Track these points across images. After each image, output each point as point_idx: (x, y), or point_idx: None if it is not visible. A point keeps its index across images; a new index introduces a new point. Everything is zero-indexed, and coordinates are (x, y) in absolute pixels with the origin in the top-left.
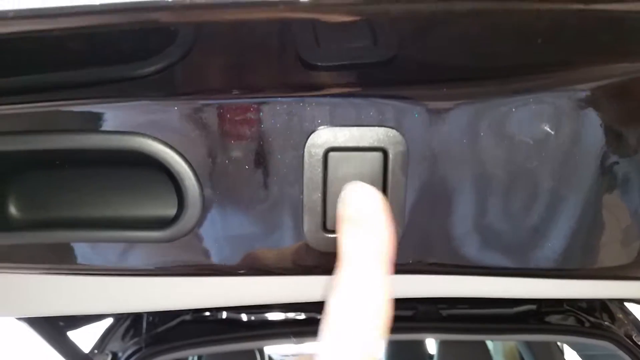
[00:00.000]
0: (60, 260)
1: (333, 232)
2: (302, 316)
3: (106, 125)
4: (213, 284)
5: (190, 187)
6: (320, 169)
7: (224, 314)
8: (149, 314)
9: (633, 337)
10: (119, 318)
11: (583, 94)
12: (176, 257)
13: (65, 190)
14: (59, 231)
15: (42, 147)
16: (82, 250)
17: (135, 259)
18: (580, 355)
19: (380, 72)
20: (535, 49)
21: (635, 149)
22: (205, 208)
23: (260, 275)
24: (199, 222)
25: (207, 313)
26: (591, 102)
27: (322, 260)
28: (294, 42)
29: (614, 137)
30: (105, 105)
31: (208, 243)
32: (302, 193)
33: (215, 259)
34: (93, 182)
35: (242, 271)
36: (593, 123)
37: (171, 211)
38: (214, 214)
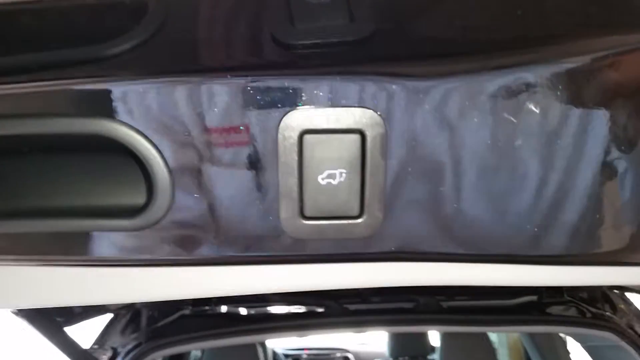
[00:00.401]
0: (30, 250)
1: (311, 218)
2: (302, 309)
3: (71, 109)
4: (189, 274)
5: (159, 174)
6: (295, 153)
7: (224, 308)
8: (148, 308)
9: (635, 327)
10: (118, 313)
11: (569, 69)
12: (148, 247)
13: (34, 178)
14: (26, 220)
15: (5, 132)
16: (53, 240)
17: (106, 248)
18: (583, 346)
19: (356, 50)
20: (518, 22)
21: (626, 128)
22: (175, 196)
23: (235, 265)
24: (169, 211)
25: (207, 307)
26: (578, 77)
27: (300, 248)
28: (267, 18)
29: (605, 116)
30: (70, 87)
31: (180, 232)
32: (277, 178)
33: (187, 248)
34: (62, 169)
35: (216, 261)
36: (581, 101)
37: (142, 199)
38: (184, 202)
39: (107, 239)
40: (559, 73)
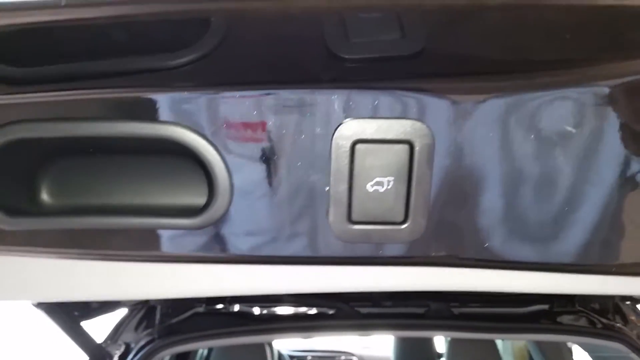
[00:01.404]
0: (90, 245)
1: (358, 223)
2: (313, 311)
3: (140, 114)
4: (238, 271)
5: (220, 175)
6: (347, 161)
7: (236, 307)
8: (163, 305)
9: None
10: (133, 309)
11: (608, 90)
12: (206, 245)
13: (97, 178)
14: (89, 217)
15: (75, 134)
16: (112, 236)
17: (166, 246)
18: (592, 356)
19: (408, 65)
20: (563, 44)
21: None
22: (234, 197)
23: (285, 264)
24: (228, 211)
25: (220, 306)
26: (616, 98)
27: (347, 251)
28: (324, 34)
29: (635, 135)
30: (139, 94)
31: (236, 231)
32: (328, 184)
33: (243, 247)
34: (125, 170)
35: (267, 260)
36: (616, 120)
37: (201, 199)
38: (242, 203)
39: (167, 237)
40: (599, 94)
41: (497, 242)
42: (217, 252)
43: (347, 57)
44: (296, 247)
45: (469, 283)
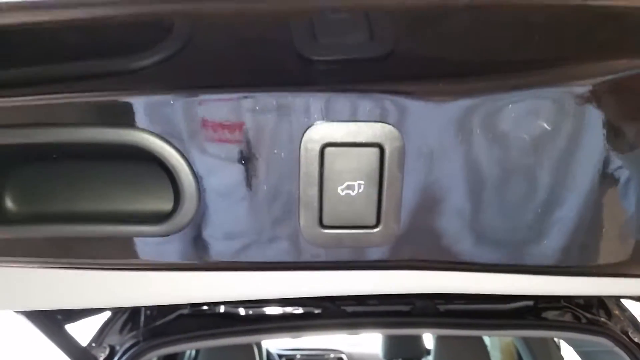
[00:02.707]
0: (57, 254)
1: (330, 227)
2: (299, 310)
3: (102, 119)
4: (210, 278)
5: (186, 181)
6: (316, 165)
7: (222, 308)
8: (147, 307)
9: (629, 333)
10: (117, 312)
11: (581, 91)
12: (172, 252)
13: (62, 184)
14: (55, 225)
15: (38, 140)
16: (79, 244)
17: (132, 253)
18: (577, 351)
19: (377, 67)
20: (533, 45)
21: (632, 147)
22: (201, 203)
23: (256, 271)
24: (195, 217)
25: (205, 307)
26: (589, 98)
27: (319, 256)
28: (291, 35)
29: (612, 135)
30: (101, 98)
31: (204, 238)
32: (298, 188)
33: (211, 254)
34: (90, 176)
35: (238, 267)
36: (590, 120)
37: (168, 206)
38: (210, 209)
39: (133, 244)
40: (571, 94)
41: (472, 245)
42: (189, 259)
43: (314, 58)
44: (268, 253)
45: (446, 285)
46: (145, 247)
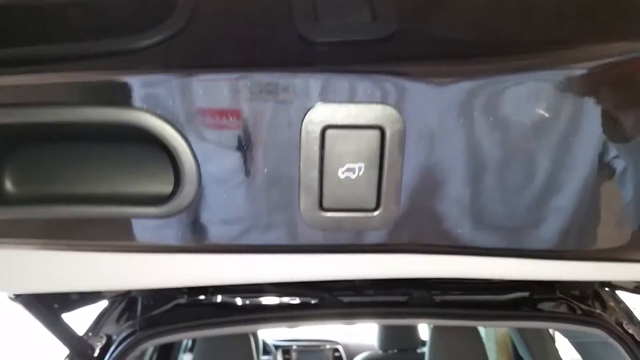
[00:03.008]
0: (57, 235)
1: (330, 210)
2: (296, 300)
3: (103, 99)
4: (209, 261)
5: (186, 163)
6: (317, 147)
7: (219, 298)
8: (144, 297)
9: (624, 324)
10: (114, 301)
11: (582, 73)
12: (174, 234)
13: (62, 166)
14: (55, 206)
15: (38, 119)
16: (78, 226)
17: (131, 235)
18: (572, 343)
19: (379, 49)
20: (533, 28)
21: (631, 132)
22: (201, 185)
23: (256, 254)
24: (196, 199)
25: (202, 297)
26: (589, 81)
27: (318, 239)
28: (293, 17)
29: (611, 119)
30: (102, 77)
31: (204, 220)
32: (298, 171)
33: (212, 236)
34: (90, 157)
35: (237, 249)
36: (589, 104)
37: (168, 188)
38: (210, 191)
39: (133, 226)
40: (572, 77)
41: (471, 229)
42: (189, 241)
43: (316, 40)
44: (267, 236)
45: (444, 270)
46: (145, 230)
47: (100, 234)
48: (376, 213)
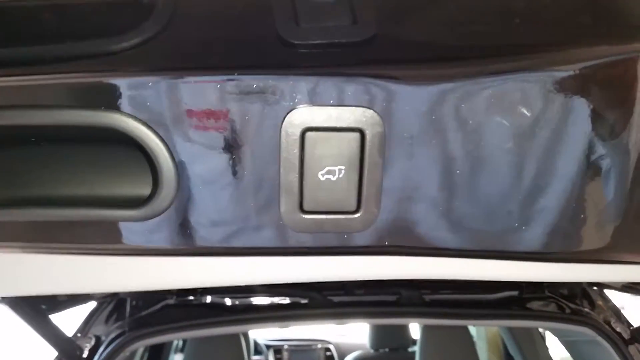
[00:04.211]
0: (36, 238)
1: (310, 212)
2: (286, 300)
3: (80, 101)
4: (192, 264)
5: (164, 165)
6: (297, 149)
7: (208, 298)
8: (133, 297)
9: (611, 323)
10: (103, 302)
11: (563, 76)
12: (153, 237)
13: (40, 168)
14: (32, 209)
15: (14, 122)
16: (58, 229)
17: (112, 238)
18: (561, 341)
19: (359, 51)
20: (515, 30)
21: (614, 134)
22: (180, 187)
23: (238, 256)
24: (174, 202)
25: (191, 297)
26: (571, 84)
27: (299, 241)
28: (273, 19)
29: (593, 121)
30: (79, 80)
31: (183, 223)
32: (278, 173)
33: (192, 239)
34: (67, 159)
35: (219, 252)
36: (571, 106)
37: (147, 190)
38: (189, 194)
39: (112, 229)
40: (553, 79)
41: (453, 231)
42: (169, 244)
43: (296, 42)
44: (248, 239)
45: (428, 271)
46: (125, 232)
47: (81, 237)
48: (357, 215)
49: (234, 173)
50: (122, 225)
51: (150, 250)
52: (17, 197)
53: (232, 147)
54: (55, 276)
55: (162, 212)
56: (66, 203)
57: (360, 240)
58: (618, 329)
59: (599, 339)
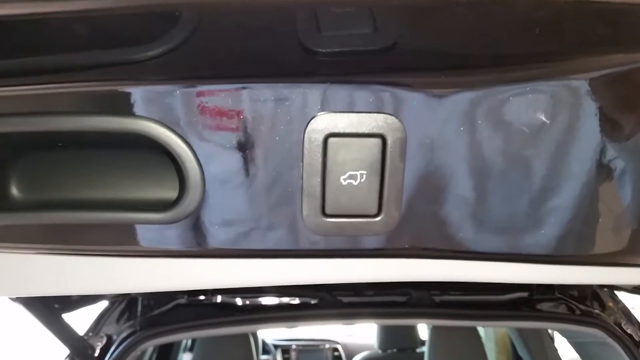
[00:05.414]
0: (61, 240)
1: (332, 216)
2: (296, 301)
3: (109, 108)
4: (212, 265)
5: (191, 170)
6: (319, 155)
7: (219, 298)
8: (144, 297)
9: (622, 324)
10: (114, 301)
11: (580, 84)
12: (177, 239)
13: (68, 172)
14: (60, 212)
15: (44, 128)
16: (83, 231)
17: (135, 240)
18: (571, 342)
19: (380, 59)
20: (533, 39)
21: (629, 139)
22: (206, 191)
23: (259, 258)
24: (200, 205)
25: (202, 297)
26: (587, 92)
27: (320, 244)
28: (296, 28)
29: (609, 128)
30: (108, 88)
31: (209, 226)
32: (301, 178)
33: (215, 241)
34: (95, 164)
35: (241, 254)
36: (589, 113)
37: (173, 194)
38: (215, 197)
39: (136, 231)
40: (570, 87)
41: (471, 234)
42: (192, 246)
43: (319, 50)
44: (271, 241)
45: (445, 274)
46: (149, 235)
47: (104, 239)
48: (378, 219)
49: (258, 178)
50: (147, 228)
51: (174, 252)
52: (46, 201)
53: (256, 153)
54: (71, 277)
55: (188, 215)
56: (94, 206)
57: (381, 243)
58: (629, 331)
59: (609, 340)
